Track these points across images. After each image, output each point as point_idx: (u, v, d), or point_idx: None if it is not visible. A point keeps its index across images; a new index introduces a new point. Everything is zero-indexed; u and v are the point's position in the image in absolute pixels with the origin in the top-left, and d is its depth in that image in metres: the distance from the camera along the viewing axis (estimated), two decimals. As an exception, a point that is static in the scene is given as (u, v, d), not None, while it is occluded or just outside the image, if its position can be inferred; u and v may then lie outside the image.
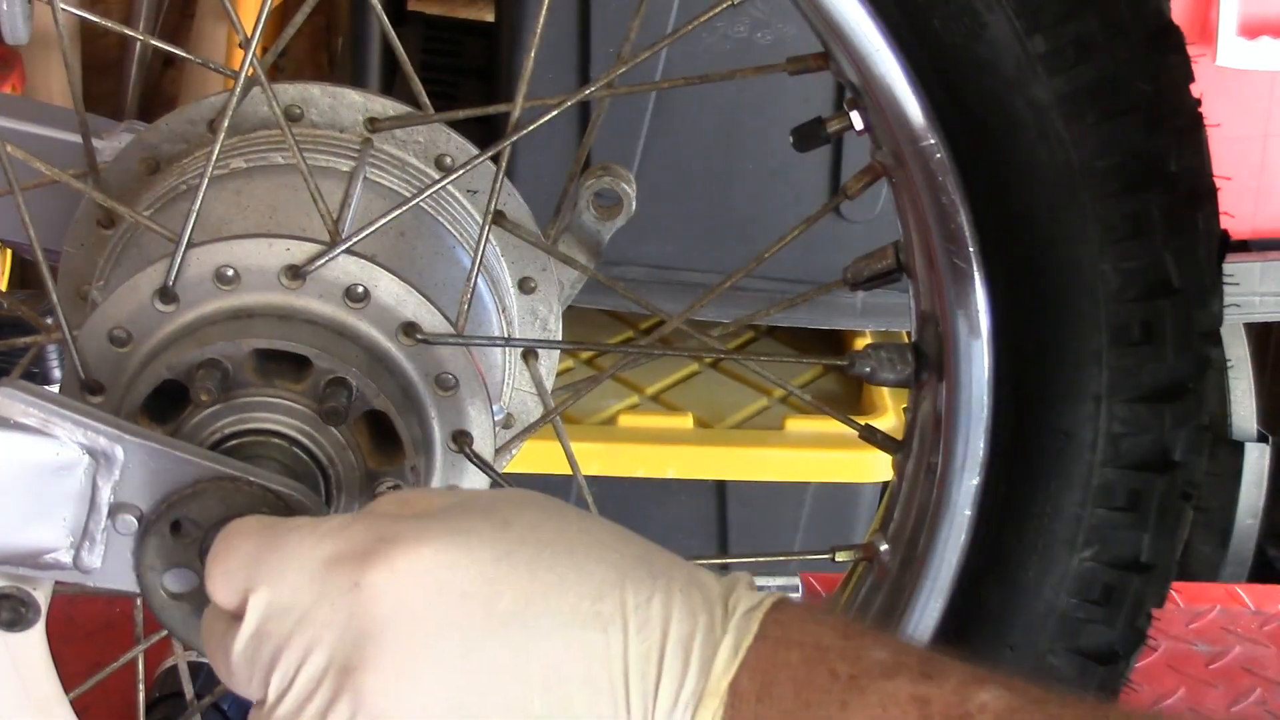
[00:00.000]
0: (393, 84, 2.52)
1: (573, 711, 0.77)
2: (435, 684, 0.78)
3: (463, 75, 2.66)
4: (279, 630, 0.81)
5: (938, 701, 0.74)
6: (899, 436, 1.20)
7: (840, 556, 1.21)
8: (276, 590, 0.82)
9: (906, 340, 1.15)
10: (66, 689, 1.05)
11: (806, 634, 0.78)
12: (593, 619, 0.78)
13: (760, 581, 1.99)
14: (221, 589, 0.85)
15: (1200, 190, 1.01)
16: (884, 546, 1.18)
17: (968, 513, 1.10)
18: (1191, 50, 0.99)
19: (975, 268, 1.03)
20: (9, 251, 2.60)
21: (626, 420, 2.37)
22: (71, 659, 1.05)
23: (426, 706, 0.78)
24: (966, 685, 0.76)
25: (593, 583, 0.79)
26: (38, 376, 1.90)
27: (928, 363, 1.11)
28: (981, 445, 1.08)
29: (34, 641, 1.02)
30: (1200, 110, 1.00)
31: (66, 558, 0.99)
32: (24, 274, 2.81)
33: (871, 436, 1.20)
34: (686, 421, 2.37)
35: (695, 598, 0.79)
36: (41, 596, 1.01)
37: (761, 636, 0.78)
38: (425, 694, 0.78)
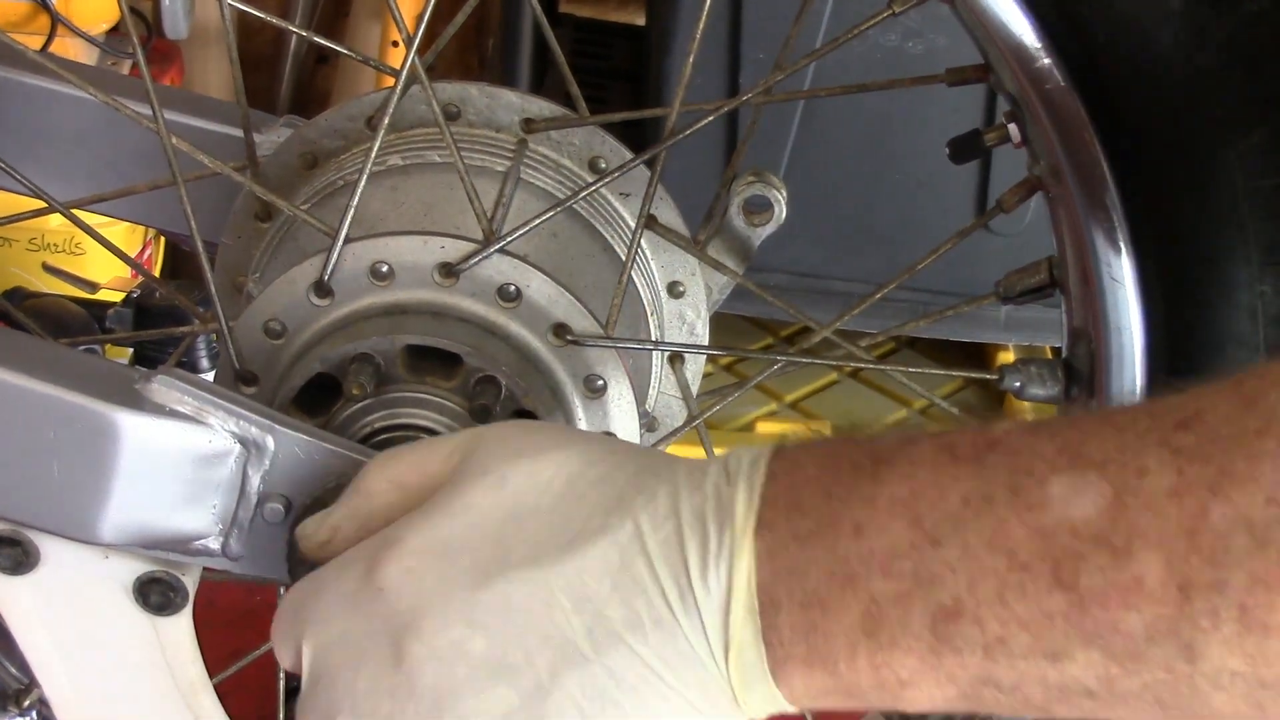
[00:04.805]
0: (541, 86, 2.53)
1: (609, 621, 0.78)
2: (479, 646, 0.80)
3: (612, 78, 2.67)
4: (333, 661, 0.83)
5: (962, 441, 0.75)
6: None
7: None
8: (320, 630, 0.83)
9: (1050, 355, 1.13)
10: (208, 674, 1.07)
11: (814, 453, 0.79)
12: (604, 532, 0.80)
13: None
14: (284, 656, 0.86)
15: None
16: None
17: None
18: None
19: (1131, 284, 1.02)
20: (163, 241, 2.65)
21: (765, 427, 2.37)
22: (211, 645, 1.07)
23: (475, 669, 0.80)
24: (986, 424, 0.76)
25: (595, 504, 0.81)
26: (186, 367, 1.93)
27: (1079, 379, 1.10)
28: (1131, 465, 1.06)
29: (182, 626, 1.04)
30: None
31: (215, 544, 1.00)
32: (175, 265, 2.86)
33: (1018, 452, 1.19)
34: (825, 430, 2.36)
35: (698, 476, 0.80)
36: (190, 582, 1.03)
37: (771, 475, 0.78)
38: (472, 659, 0.80)
